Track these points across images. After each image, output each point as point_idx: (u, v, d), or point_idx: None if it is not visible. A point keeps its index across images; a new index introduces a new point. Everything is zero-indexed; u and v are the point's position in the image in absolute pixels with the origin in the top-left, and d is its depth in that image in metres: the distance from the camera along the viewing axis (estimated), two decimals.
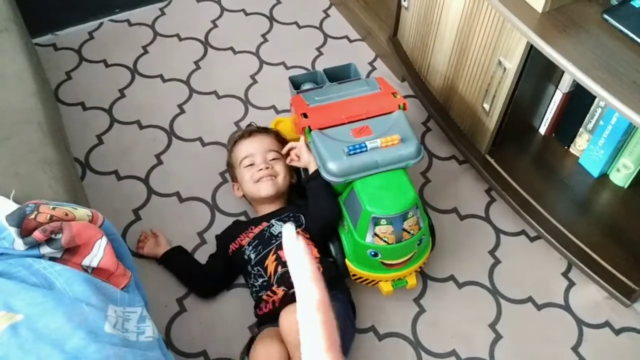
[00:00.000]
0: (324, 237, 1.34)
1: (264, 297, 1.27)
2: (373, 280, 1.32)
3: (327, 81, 1.51)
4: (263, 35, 1.93)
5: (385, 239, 1.24)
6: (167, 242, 1.43)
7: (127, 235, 1.47)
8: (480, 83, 1.44)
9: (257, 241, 1.33)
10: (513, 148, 1.55)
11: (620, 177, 1.45)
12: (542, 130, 1.56)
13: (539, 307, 1.39)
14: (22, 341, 0.82)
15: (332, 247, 1.34)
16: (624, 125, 1.35)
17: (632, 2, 1.18)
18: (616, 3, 1.19)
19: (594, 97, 1.37)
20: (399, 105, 1.37)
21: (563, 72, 1.40)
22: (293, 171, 1.47)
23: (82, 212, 0.98)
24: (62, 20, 1.90)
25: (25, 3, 1.61)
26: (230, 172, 1.51)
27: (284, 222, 1.35)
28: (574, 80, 1.36)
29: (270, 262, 1.29)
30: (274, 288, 1.26)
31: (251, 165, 1.41)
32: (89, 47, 1.87)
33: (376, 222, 1.22)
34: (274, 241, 1.31)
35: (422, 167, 1.62)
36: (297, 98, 1.42)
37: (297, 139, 1.40)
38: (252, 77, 1.82)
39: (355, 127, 1.34)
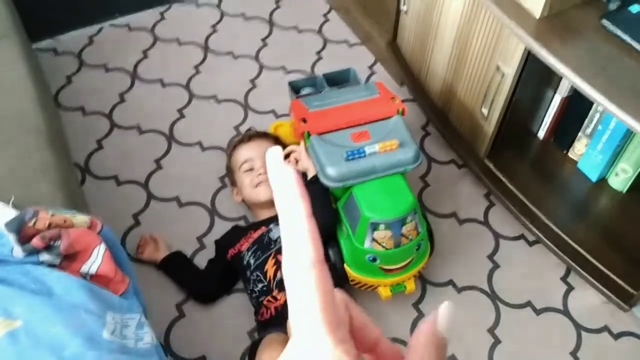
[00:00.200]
0: (323, 238, 1.34)
1: (265, 302, 1.27)
2: (372, 286, 1.33)
3: (326, 86, 1.51)
4: (263, 40, 1.94)
5: (384, 244, 1.24)
6: (166, 247, 1.44)
7: (126, 240, 1.47)
8: (478, 88, 1.44)
9: (256, 246, 1.34)
10: (512, 152, 1.55)
11: (619, 181, 1.45)
12: (541, 134, 1.57)
13: (538, 312, 1.39)
14: (21, 348, 0.83)
15: (330, 252, 1.34)
16: (622, 129, 1.35)
17: (629, 8, 1.18)
18: (614, 9, 1.19)
19: (592, 102, 1.38)
20: (398, 111, 1.38)
21: (561, 76, 1.40)
22: None
23: (80, 218, 0.98)
24: (63, 25, 1.91)
25: (25, 8, 1.62)
26: (229, 176, 1.51)
27: None
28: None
29: (270, 267, 1.29)
30: (274, 294, 1.27)
31: (250, 170, 1.42)
32: (89, 51, 1.88)
33: (374, 227, 1.22)
34: (273, 246, 1.32)
35: (421, 172, 1.62)
36: (297, 103, 1.42)
37: (297, 144, 1.41)
38: (252, 81, 1.82)
39: (354, 132, 1.34)
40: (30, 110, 1.15)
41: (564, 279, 1.44)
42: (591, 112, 1.41)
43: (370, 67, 1.88)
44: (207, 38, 1.93)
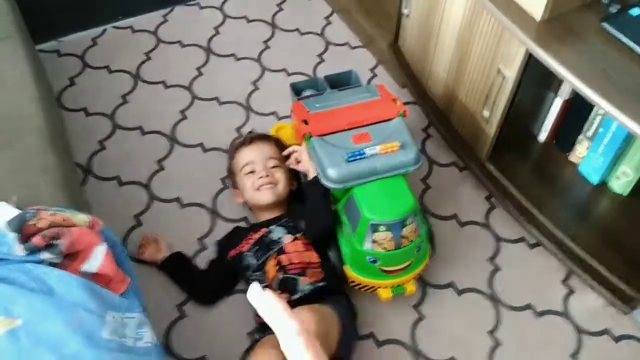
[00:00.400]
0: (323, 240, 1.35)
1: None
2: (372, 287, 1.33)
3: (328, 88, 1.51)
4: (265, 42, 1.94)
5: (384, 246, 1.24)
6: (167, 247, 1.44)
7: (128, 240, 1.48)
8: (480, 90, 1.45)
9: (257, 247, 1.34)
10: (513, 155, 1.55)
11: (620, 184, 1.45)
12: (542, 137, 1.57)
13: (538, 315, 1.39)
14: (21, 346, 0.83)
15: (330, 254, 1.34)
16: (623, 132, 1.35)
17: (629, 11, 1.19)
18: (614, 11, 1.20)
19: (593, 105, 1.38)
20: (399, 112, 1.38)
21: (562, 79, 1.40)
22: (294, 178, 1.48)
23: (81, 218, 0.99)
24: (66, 27, 1.91)
25: (29, 10, 1.63)
26: (231, 178, 1.52)
27: (284, 227, 1.36)
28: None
29: (271, 267, 1.29)
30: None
31: (252, 172, 1.42)
32: (92, 53, 1.89)
33: (375, 228, 1.22)
34: (273, 246, 1.32)
35: (422, 174, 1.62)
36: (298, 105, 1.42)
37: (298, 146, 1.41)
38: (254, 83, 1.83)
39: (355, 133, 1.34)
40: (32, 111, 1.16)
41: (564, 281, 1.44)
42: (592, 115, 1.42)
43: (372, 69, 1.88)
44: (209, 40, 1.94)
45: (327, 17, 2.03)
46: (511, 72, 1.31)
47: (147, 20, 1.98)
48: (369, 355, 1.32)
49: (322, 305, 1.22)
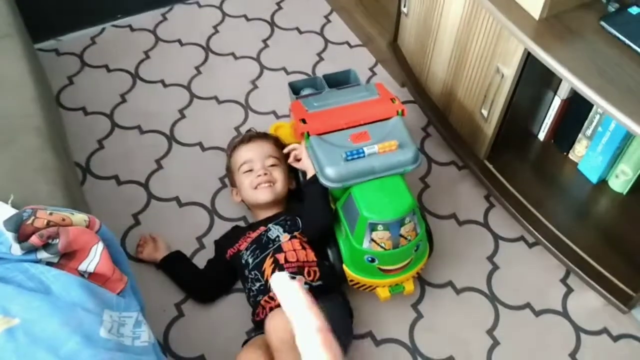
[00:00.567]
0: (321, 238, 1.35)
1: (262, 302, 1.27)
2: (370, 286, 1.33)
3: (326, 87, 1.51)
4: (264, 41, 1.94)
5: (382, 245, 1.24)
6: (166, 246, 1.44)
7: (126, 239, 1.48)
8: (478, 89, 1.44)
9: (254, 246, 1.34)
10: (512, 154, 1.55)
11: (619, 183, 1.45)
12: (541, 136, 1.57)
13: (537, 314, 1.39)
14: (18, 345, 0.83)
15: (329, 253, 1.34)
16: (622, 131, 1.35)
17: (629, 10, 1.19)
18: (613, 10, 1.20)
19: (592, 104, 1.37)
20: (398, 111, 1.37)
21: (561, 78, 1.40)
22: (292, 177, 1.47)
23: (79, 217, 0.99)
24: (65, 26, 1.91)
25: (28, 9, 1.63)
26: (229, 177, 1.52)
27: (281, 225, 1.36)
28: None
29: (268, 266, 1.29)
30: (271, 294, 1.27)
31: (250, 171, 1.42)
32: (91, 52, 1.89)
33: (373, 227, 1.22)
34: (271, 245, 1.32)
35: (421, 173, 1.62)
36: (296, 104, 1.42)
37: (298, 144, 1.41)
38: (253, 82, 1.83)
39: (353, 132, 1.34)
40: (30, 110, 1.15)
41: (563, 280, 1.44)
42: (591, 113, 1.41)
43: (371, 68, 1.88)
44: (208, 39, 1.94)
45: (326, 16, 2.03)
46: (509, 70, 1.31)
47: (146, 18, 1.98)
48: (367, 355, 1.32)
49: None
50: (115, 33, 1.95)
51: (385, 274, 1.29)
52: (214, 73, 1.85)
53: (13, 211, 0.95)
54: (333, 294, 1.29)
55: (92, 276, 0.96)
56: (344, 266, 1.31)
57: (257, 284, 1.29)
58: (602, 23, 1.18)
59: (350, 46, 1.94)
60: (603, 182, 1.49)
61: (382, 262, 1.27)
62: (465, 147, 1.58)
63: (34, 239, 0.91)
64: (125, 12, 1.97)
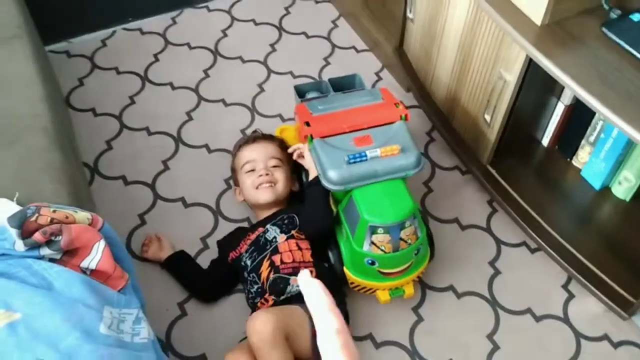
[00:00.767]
0: (322, 240, 1.36)
1: (259, 304, 1.29)
2: (370, 289, 1.33)
3: (331, 91, 1.53)
4: (272, 45, 1.96)
5: (383, 248, 1.25)
6: (170, 246, 1.46)
7: (132, 239, 1.50)
8: (481, 94, 1.45)
9: (252, 248, 1.36)
10: (515, 159, 1.55)
11: (622, 190, 1.45)
12: (545, 142, 1.57)
13: (538, 319, 1.39)
14: (19, 339, 0.85)
15: (330, 255, 1.36)
16: (625, 138, 1.35)
17: (631, 16, 1.19)
18: (615, 17, 1.20)
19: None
20: (401, 116, 1.39)
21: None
22: (295, 179, 1.49)
23: (82, 215, 1.01)
24: (76, 29, 1.95)
25: (40, 11, 1.66)
26: (233, 176, 1.54)
27: (279, 225, 1.37)
28: None
29: (264, 269, 1.31)
30: (266, 296, 1.29)
31: (252, 171, 1.44)
32: (102, 54, 1.92)
33: (373, 230, 1.23)
34: (268, 247, 1.34)
35: (424, 177, 1.63)
36: (301, 107, 1.44)
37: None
38: (260, 85, 1.85)
39: (356, 136, 1.35)
40: (38, 110, 1.18)
41: (564, 286, 1.44)
42: (594, 120, 1.41)
43: (377, 73, 1.89)
44: (217, 42, 1.96)
45: (334, 21, 2.04)
46: (512, 76, 1.32)
47: (156, 22, 2.01)
48: (367, 357, 1.33)
49: (296, 306, 1.24)
50: (125, 36, 1.97)
51: (385, 277, 1.30)
52: (221, 76, 1.87)
53: (18, 208, 0.97)
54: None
55: (93, 273, 0.98)
56: (345, 268, 1.33)
57: (255, 287, 1.31)
58: (604, 29, 1.18)
59: (357, 51, 1.95)
60: (606, 189, 1.49)
61: (382, 265, 1.28)
62: (468, 152, 1.58)
63: (37, 236, 0.93)
64: (135, 15, 2.00)
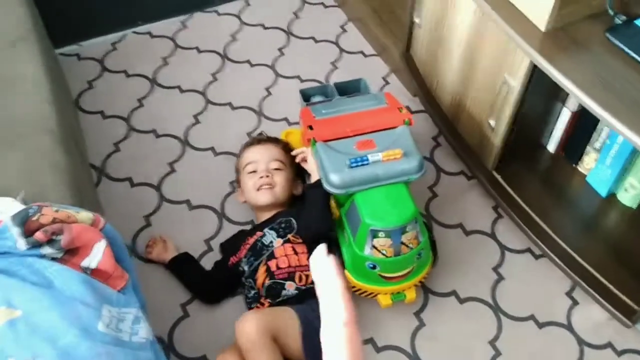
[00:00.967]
0: (315, 243, 1.36)
1: (255, 308, 1.30)
2: (372, 293, 1.33)
3: (336, 95, 1.53)
4: (280, 49, 1.97)
5: (384, 252, 1.25)
6: (174, 248, 1.47)
7: (137, 240, 1.51)
8: (486, 99, 1.45)
9: (250, 253, 1.36)
10: (521, 165, 1.55)
11: (629, 197, 1.44)
12: (551, 148, 1.56)
13: (541, 326, 1.38)
14: (19, 336, 0.86)
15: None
16: (630, 145, 1.34)
17: (635, 22, 1.18)
18: (620, 22, 1.19)
19: None
20: (404, 121, 1.39)
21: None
22: (299, 183, 1.49)
23: (84, 215, 1.02)
24: (87, 32, 1.97)
25: (52, 15, 1.69)
26: (236, 177, 1.55)
27: (275, 230, 1.38)
28: None
29: (260, 274, 1.32)
30: (262, 300, 1.29)
31: (254, 172, 1.45)
32: (112, 57, 1.94)
33: (374, 234, 1.23)
34: (264, 252, 1.34)
35: (429, 182, 1.63)
36: (305, 110, 1.44)
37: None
38: (267, 89, 1.86)
39: (359, 140, 1.36)
40: (44, 111, 1.19)
41: (568, 293, 1.43)
42: (599, 126, 1.41)
43: (385, 77, 1.89)
44: (226, 46, 1.98)
45: (342, 26, 2.05)
46: (516, 81, 1.32)
47: (166, 26, 2.03)
48: None
49: (287, 307, 1.25)
50: (135, 39, 2.00)
51: (386, 281, 1.30)
52: (229, 80, 1.88)
53: (21, 207, 0.99)
54: None
55: (94, 272, 0.99)
56: (346, 272, 1.33)
57: (252, 292, 1.32)
58: (608, 35, 1.18)
59: (365, 56, 1.96)
60: (612, 196, 1.48)
61: (383, 269, 1.28)
62: (473, 157, 1.58)
63: (39, 235, 0.94)
64: (146, 19, 2.02)
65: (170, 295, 1.42)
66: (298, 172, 1.50)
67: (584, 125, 1.45)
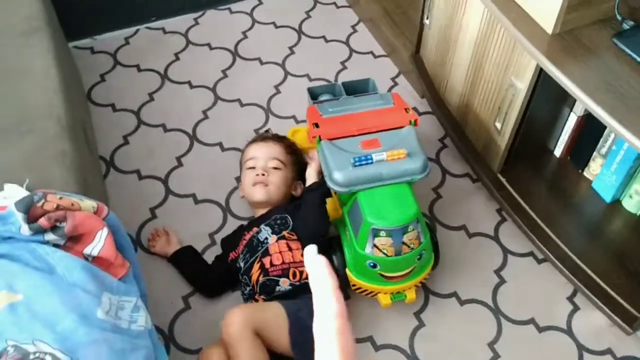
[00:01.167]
0: (323, 244, 1.37)
1: (241, 305, 1.31)
2: (372, 292, 1.34)
3: (344, 94, 1.54)
4: (290, 48, 1.98)
5: (385, 251, 1.25)
6: (178, 241, 1.49)
7: (142, 232, 1.53)
8: (493, 102, 1.45)
9: (246, 249, 1.38)
10: (526, 169, 1.55)
11: (633, 203, 1.43)
12: (557, 152, 1.56)
13: (541, 330, 1.38)
14: (19, 319, 0.88)
15: (334, 258, 1.36)
16: (635, 151, 1.33)
17: None
18: (628, 28, 1.19)
19: None
20: (410, 121, 1.39)
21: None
22: (299, 184, 1.49)
23: (88, 203, 1.03)
24: (101, 26, 1.99)
25: (67, 8, 1.71)
26: (240, 172, 1.56)
27: (271, 226, 1.38)
28: None
29: (255, 271, 1.33)
30: (256, 297, 1.30)
31: (252, 168, 1.46)
32: (124, 52, 1.96)
33: (376, 233, 1.24)
34: (260, 248, 1.35)
35: (434, 183, 1.63)
36: (312, 108, 1.45)
37: (312, 148, 1.44)
38: (276, 87, 1.87)
39: (364, 139, 1.36)
40: (53, 100, 1.21)
41: (570, 298, 1.43)
42: (605, 131, 1.40)
43: (393, 78, 1.90)
44: (237, 44, 1.99)
45: (353, 26, 2.06)
46: (523, 84, 1.32)
47: (179, 22, 2.05)
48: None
49: (275, 302, 1.26)
50: (148, 35, 2.02)
51: (387, 280, 1.30)
52: (239, 77, 1.90)
53: (26, 194, 1.00)
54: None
55: (95, 260, 1.00)
56: (347, 270, 1.33)
57: (247, 288, 1.34)
58: (615, 40, 1.17)
59: (375, 56, 1.96)
60: (617, 202, 1.47)
61: (383, 269, 1.28)
62: (479, 160, 1.58)
63: (43, 221, 0.96)
64: (159, 15, 2.04)
65: (172, 288, 1.43)
66: (301, 173, 1.50)
67: (590, 130, 1.44)
